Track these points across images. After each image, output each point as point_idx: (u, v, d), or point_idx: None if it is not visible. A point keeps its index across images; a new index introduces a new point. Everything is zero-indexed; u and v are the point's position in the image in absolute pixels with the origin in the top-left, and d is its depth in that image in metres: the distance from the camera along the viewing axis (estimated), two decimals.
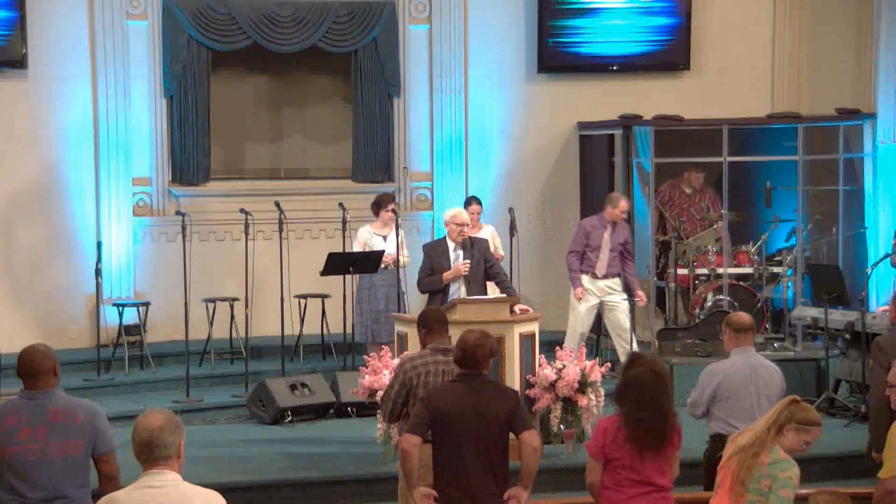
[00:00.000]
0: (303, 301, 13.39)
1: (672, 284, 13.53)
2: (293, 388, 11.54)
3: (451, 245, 10.70)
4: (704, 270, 13.54)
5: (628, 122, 13.85)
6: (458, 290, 10.51)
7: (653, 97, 14.43)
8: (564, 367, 9.85)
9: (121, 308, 13.17)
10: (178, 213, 12.61)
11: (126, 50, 13.73)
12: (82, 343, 13.55)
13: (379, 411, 9.72)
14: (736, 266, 13.65)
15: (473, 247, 10.66)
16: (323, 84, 15.05)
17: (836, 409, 11.53)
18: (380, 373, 9.76)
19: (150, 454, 4.76)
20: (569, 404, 9.88)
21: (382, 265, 12.32)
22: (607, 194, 12.87)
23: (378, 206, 12.64)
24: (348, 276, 12.47)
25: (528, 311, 10.20)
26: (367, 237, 12.53)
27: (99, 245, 12.93)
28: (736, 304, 12.91)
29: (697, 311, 13.35)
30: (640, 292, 12.48)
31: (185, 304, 12.20)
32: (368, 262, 12.25)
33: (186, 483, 4.79)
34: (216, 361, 13.21)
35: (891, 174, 13.94)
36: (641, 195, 13.88)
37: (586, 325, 12.56)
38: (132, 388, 12.49)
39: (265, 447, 10.60)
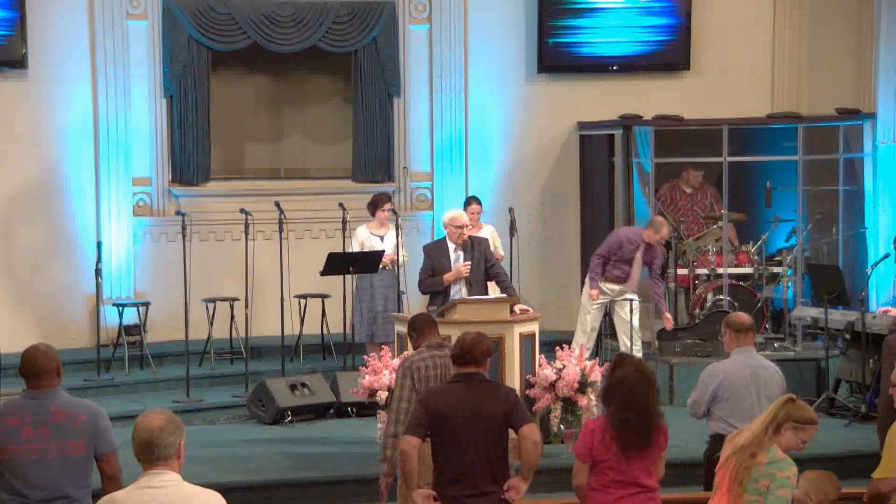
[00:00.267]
0: (303, 301, 13.39)
1: (672, 284, 13.54)
2: (293, 388, 11.54)
3: (451, 246, 10.68)
4: (704, 270, 13.54)
5: (628, 122, 13.84)
6: (459, 291, 10.50)
7: (653, 97, 14.42)
8: (564, 367, 9.87)
9: (121, 308, 13.17)
10: (178, 213, 12.61)
11: (126, 50, 13.73)
12: (82, 343, 13.55)
13: (379, 411, 9.75)
14: (736, 266, 13.65)
15: (474, 247, 10.64)
16: (323, 84, 15.04)
17: (836, 409, 11.55)
18: (380, 373, 9.75)
19: (151, 454, 4.76)
20: (569, 404, 9.90)
21: (382, 265, 12.32)
22: (652, 217, 12.84)
23: (374, 205, 12.63)
24: (348, 276, 12.46)
25: (528, 311, 10.21)
26: (364, 237, 12.52)
27: (99, 245, 12.93)
28: (736, 304, 12.91)
29: (697, 311, 13.36)
30: (667, 315, 12.51)
31: (185, 304, 12.20)
32: (368, 262, 12.25)
33: (186, 483, 4.79)
34: (216, 361, 13.21)
35: (891, 174, 13.93)
36: (641, 195, 13.87)
37: (597, 323, 12.59)
38: (132, 389, 12.49)
39: (265, 447, 10.60)
